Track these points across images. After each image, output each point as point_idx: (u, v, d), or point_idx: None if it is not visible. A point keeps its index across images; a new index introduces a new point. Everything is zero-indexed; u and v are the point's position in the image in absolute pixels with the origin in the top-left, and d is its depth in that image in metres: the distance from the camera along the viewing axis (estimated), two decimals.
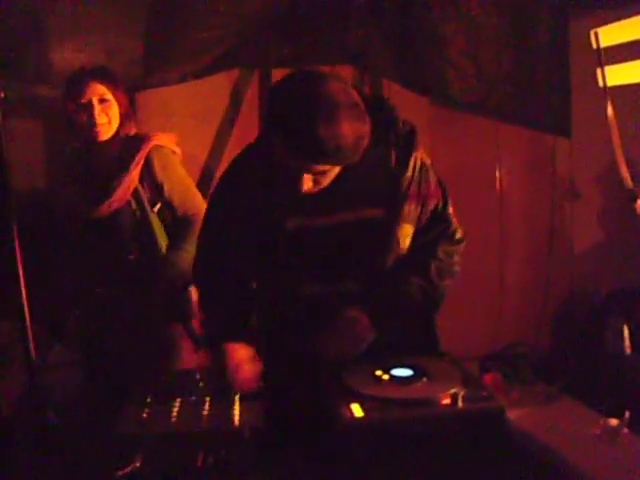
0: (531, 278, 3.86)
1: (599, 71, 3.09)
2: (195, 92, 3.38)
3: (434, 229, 1.99)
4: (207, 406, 1.72)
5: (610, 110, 3.09)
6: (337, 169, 1.76)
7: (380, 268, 1.94)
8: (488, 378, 2.21)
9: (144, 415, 1.68)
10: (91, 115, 2.53)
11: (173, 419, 1.67)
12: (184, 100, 3.38)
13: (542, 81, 3.51)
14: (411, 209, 1.91)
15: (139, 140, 2.64)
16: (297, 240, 1.90)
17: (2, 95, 1.78)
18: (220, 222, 2.01)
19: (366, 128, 1.69)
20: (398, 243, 1.93)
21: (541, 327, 3.78)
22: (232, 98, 3.54)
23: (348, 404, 1.63)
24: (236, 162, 2.00)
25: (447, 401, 1.65)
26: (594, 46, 3.09)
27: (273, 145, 1.72)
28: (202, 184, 3.44)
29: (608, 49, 3.07)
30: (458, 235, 2.04)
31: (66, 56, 3.06)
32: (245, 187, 1.93)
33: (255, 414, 1.68)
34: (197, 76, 3.33)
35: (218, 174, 3.48)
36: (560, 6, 3.46)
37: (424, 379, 1.75)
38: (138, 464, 1.57)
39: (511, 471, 1.67)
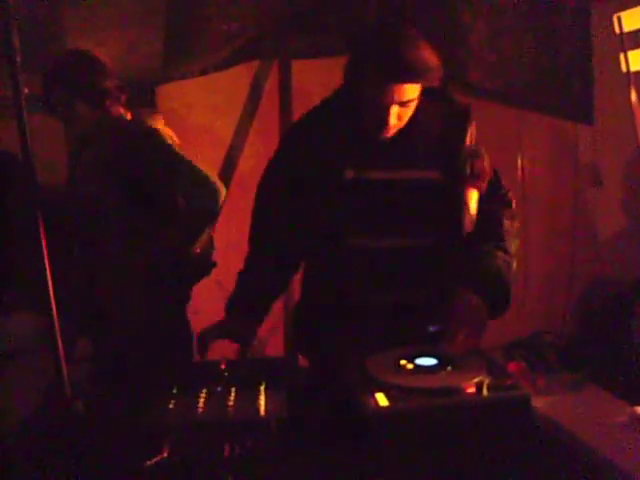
0: (555, 266, 3.84)
1: (622, 56, 3.06)
2: (215, 84, 3.39)
3: (495, 197, 2.12)
4: (233, 396, 1.73)
5: (634, 95, 3.06)
6: (413, 107, 1.94)
7: (458, 230, 2.04)
8: (513, 366, 2.20)
9: (170, 406, 1.70)
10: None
11: (199, 410, 1.68)
12: (204, 93, 3.39)
13: (564, 67, 3.47)
14: (472, 176, 2.05)
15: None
16: (352, 191, 2.01)
17: (26, 91, 1.80)
18: (288, 169, 2.12)
19: (440, 62, 1.91)
20: (467, 205, 2.04)
21: (566, 315, 3.76)
22: (252, 90, 3.54)
23: (373, 393, 1.64)
24: (310, 113, 2.13)
25: (472, 390, 1.65)
26: (617, 30, 3.06)
27: (362, 84, 1.91)
28: (223, 175, 3.45)
29: (631, 33, 3.04)
30: (514, 204, 2.16)
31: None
32: (316, 136, 2.06)
33: (281, 404, 1.69)
34: (217, 68, 3.33)
35: (239, 165, 3.53)
36: None
37: (448, 368, 1.75)
38: (165, 454, 1.59)
39: (537, 459, 1.67)
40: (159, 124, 2.66)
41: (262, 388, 1.76)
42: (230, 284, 2.16)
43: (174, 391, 1.77)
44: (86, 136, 2.64)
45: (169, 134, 2.66)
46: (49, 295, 1.80)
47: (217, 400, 1.72)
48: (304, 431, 1.69)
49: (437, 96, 2.02)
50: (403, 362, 1.78)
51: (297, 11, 3.32)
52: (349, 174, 2.00)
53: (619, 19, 3.02)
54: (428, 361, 1.79)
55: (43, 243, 1.82)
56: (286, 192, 2.10)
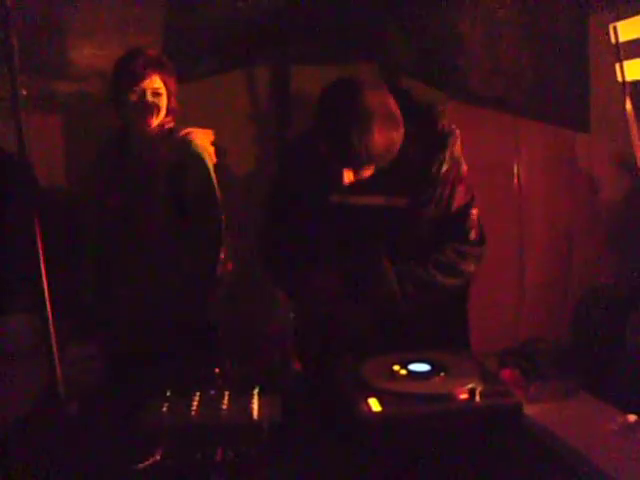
0: (551, 273, 3.84)
1: (618, 66, 3.07)
2: (212, 89, 3.39)
3: (451, 224, 2.11)
4: (226, 400, 1.74)
5: (629, 105, 3.07)
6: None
7: (407, 248, 2.09)
8: (506, 373, 2.20)
9: (164, 409, 1.70)
10: (142, 106, 2.52)
11: (193, 413, 1.68)
12: (201, 97, 3.39)
13: (561, 76, 3.49)
14: (438, 202, 2.07)
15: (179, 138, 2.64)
16: (336, 215, 2.07)
17: (24, 92, 1.80)
18: (286, 188, 2.18)
19: (398, 135, 1.88)
20: (426, 229, 2.08)
21: (561, 322, 3.76)
22: (249, 95, 3.54)
23: (366, 399, 1.64)
24: (302, 136, 2.19)
25: (465, 396, 1.66)
26: (613, 40, 3.07)
27: (320, 142, 1.91)
28: (219, 181, 3.45)
29: (627, 43, 3.05)
30: (472, 234, 2.13)
31: (85, 53, 3.08)
32: (308, 159, 2.07)
33: (274, 408, 1.70)
34: (215, 73, 3.34)
35: (236, 170, 3.53)
36: (579, 0, 3.44)
37: (442, 374, 1.76)
38: (158, 457, 1.59)
39: (528, 466, 1.68)
40: (206, 142, 2.73)
41: (255, 392, 1.77)
42: None
43: (168, 394, 1.78)
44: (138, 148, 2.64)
45: (209, 151, 2.72)
46: (44, 296, 1.80)
47: (210, 403, 1.73)
48: (297, 435, 1.70)
49: (422, 119, 2.03)
50: (396, 368, 1.79)
51: (297, 17, 3.33)
52: (335, 199, 2.06)
53: (615, 29, 3.03)
54: (421, 367, 1.80)
55: (40, 244, 1.82)
56: (286, 211, 2.16)
